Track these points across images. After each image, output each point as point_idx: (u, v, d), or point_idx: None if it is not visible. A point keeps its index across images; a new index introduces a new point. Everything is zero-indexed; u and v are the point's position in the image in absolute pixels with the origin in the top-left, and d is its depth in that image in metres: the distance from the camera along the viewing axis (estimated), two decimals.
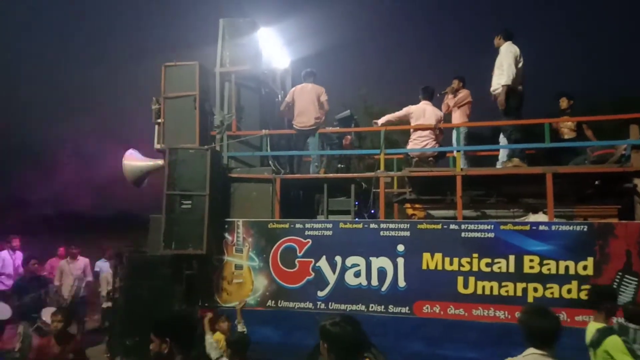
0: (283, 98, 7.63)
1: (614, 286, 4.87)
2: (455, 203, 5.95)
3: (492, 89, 6.39)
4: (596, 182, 6.09)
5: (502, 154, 6.36)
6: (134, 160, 6.87)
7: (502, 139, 6.37)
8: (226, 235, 6.00)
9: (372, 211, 6.92)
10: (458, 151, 5.72)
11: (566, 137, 7.07)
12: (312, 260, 5.71)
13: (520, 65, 6.25)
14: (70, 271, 7.90)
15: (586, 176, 5.77)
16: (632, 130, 5.22)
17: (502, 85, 6.07)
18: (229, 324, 5.16)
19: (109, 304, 7.40)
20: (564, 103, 6.90)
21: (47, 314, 5.38)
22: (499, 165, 6.18)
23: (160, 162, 6.83)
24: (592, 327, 3.71)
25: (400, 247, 5.46)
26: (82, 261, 8.15)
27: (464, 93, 7.05)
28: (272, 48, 7.50)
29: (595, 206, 5.81)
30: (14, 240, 7.80)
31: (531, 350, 2.68)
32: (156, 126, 6.59)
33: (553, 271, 5.04)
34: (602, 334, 3.33)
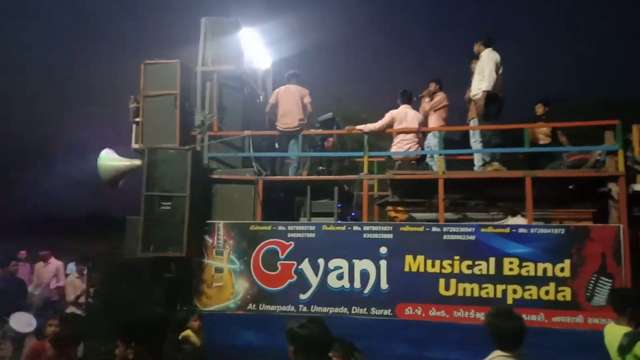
0: (265, 99, 7.58)
1: (590, 287, 5.03)
2: (436, 206, 6.02)
3: (471, 93, 6.50)
4: (570, 187, 6.26)
5: (478, 158, 6.48)
6: (109, 160, 6.67)
7: (475, 144, 6.48)
8: (206, 237, 5.89)
9: (353, 214, 6.93)
10: (440, 155, 5.78)
11: (541, 142, 7.28)
12: (295, 262, 5.66)
13: (500, 72, 6.39)
14: (43, 275, 7.63)
15: (562, 180, 5.93)
16: (607, 137, 5.40)
17: (483, 91, 6.19)
18: (199, 324, 5.08)
19: (74, 309, 7.12)
20: (539, 109, 7.08)
21: (15, 320, 5.18)
22: (476, 169, 6.30)
23: (137, 162, 6.65)
24: (614, 329, 3.59)
25: (383, 250, 5.47)
26: (54, 264, 7.85)
27: (440, 96, 7.15)
28: (254, 48, 7.43)
29: (570, 209, 5.97)
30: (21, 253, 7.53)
31: (497, 352, 2.72)
32: (134, 125, 6.43)
33: (532, 273, 5.14)
34: (632, 339, 3.34)
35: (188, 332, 5.00)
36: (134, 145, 6.33)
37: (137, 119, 6.32)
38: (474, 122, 6.59)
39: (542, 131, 7.23)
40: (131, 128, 6.48)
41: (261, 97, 7.45)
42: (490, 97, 6.24)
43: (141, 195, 5.58)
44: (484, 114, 6.33)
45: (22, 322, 5.53)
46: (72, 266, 8.30)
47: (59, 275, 8.01)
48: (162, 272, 5.85)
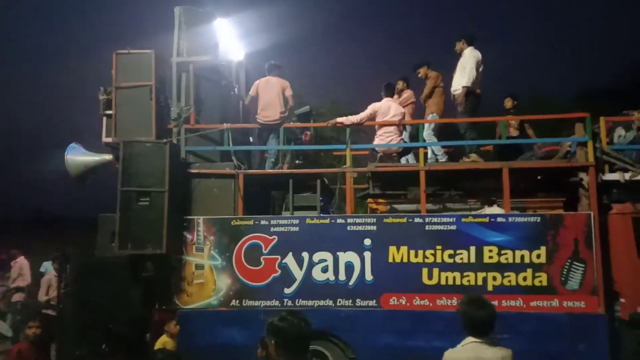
0: (240, 92, 7.43)
1: (564, 272, 5.28)
2: (415, 197, 6.12)
3: (452, 89, 6.65)
4: (538, 177, 6.53)
5: (431, 153, 6.61)
6: (77, 155, 6.35)
7: (430, 137, 6.65)
8: (185, 233, 5.71)
9: (331, 209, 6.93)
10: (423, 147, 5.87)
11: (512, 135, 7.56)
12: (279, 257, 5.60)
13: (480, 69, 6.57)
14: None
15: (532, 171, 6.18)
16: (577, 129, 5.66)
17: (463, 87, 6.34)
18: (178, 329, 4.93)
19: (49, 310, 6.77)
20: (508, 103, 7.34)
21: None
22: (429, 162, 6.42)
23: (108, 156, 6.38)
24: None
25: (367, 241, 5.51)
26: (19, 263, 7.42)
27: (408, 94, 7.31)
28: (227, 39, 7.26)
29: (541, 199, 6.23)
30: None
31: (470, 339, 2.79)
32: (104, 118, 6.13)
33: (510, 260, 5.34)
34: None
35: (164, 339, 4.82)
36: (105, 139, 6.04)
37: (108, 112, 6.03)
38: (432, 117, 6.79)
39: (512, 124, 7.50)
40: (101, 121, 6.18)
41: (235, 89, 7.30)
42: (469, 93, 6.41)
43: (117, 191, 5.33)
44: (462, 108, 6.48)
45: (4, 327, 5.23)
46: (47, 265, 7.86)
47: (23, 274, 7.59)
48: (138, 271, 5.63)
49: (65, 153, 6.27)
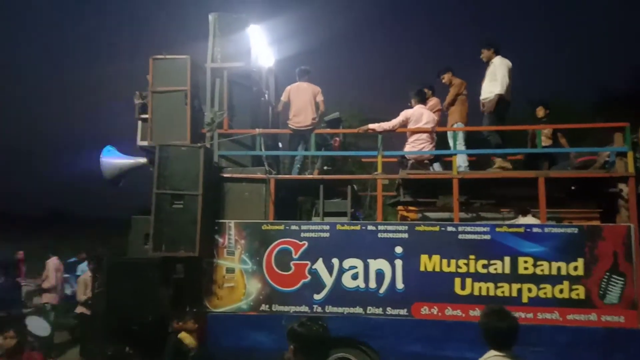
0: (269, 98, 7.49)
1: (602, 285, 5.13)
2: (445, 206, 6.05)
3: (482, 97, 6.57)
4: (572, 187, 6.39)
5: (462, 160, 6.52)
6: (112, 158, 6.48)
7: (460, 146, 6.56)
8: (217, 237, 5.76)
9: (360, 216, 6.89)
10: (455, 154, 5.81)
11: (543, 144, 7.43)
12: (309, 262, 5.59)
13: (511, 78, 6.48)
14: None
15: (566, 181, 6.05)
16: (616, 138, 5.52)
17: (496, 94, 6.26)
18: (195, 325, 5.01)
19: (84, 310, 6.90)
20: (540, 112, 7.20)
21: (32, 324, 4.99)
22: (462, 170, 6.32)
23: (141, 160, 6.49)
24: None
25: (399, 249, 5.46)
26: (48, 264, 7.60)
27: (434, 101, 7.24)
28: (258, 46, 7.33)
29: (578, 209, 6.09)
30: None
31: (492, 352, 2.71)
32: (139, 122, 6.25)
33: (546, 272, 5.22)
34: None
35: (182, 335, 4.94)
36: (140, 143, 6.15)
37: (144, 116, 6.15)
38: (456, 126, 6.70)
39: (544, 133, 7.37)
40: (136, 125, 6.30)
41: (266, 95, 7.36)
42: (500, 101, 6.33)
43: (152, 194, 5.41)
44: (490, 115, 6.40)
45: (38, 325, 5.35)
46: (83, 266, 8.02)
47: (48, 276, 7.74)
48: (169, 273, 5.69)
49: (101, 155, 6.41)
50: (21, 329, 4.34)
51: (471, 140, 7.02)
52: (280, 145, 7.59)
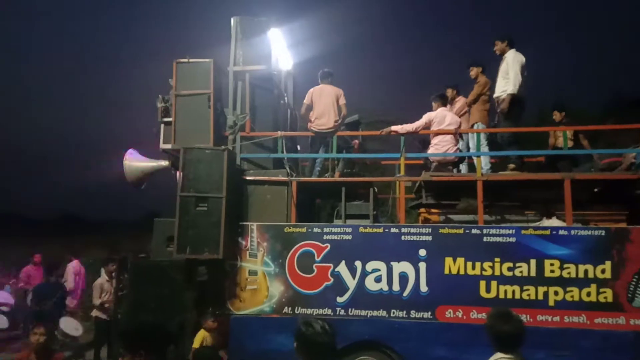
0: (289, 101, 7.52)
1: (631, 288, 5.07)
2: (466, 208, 6.02)
3: (495, 94, 6.51)
4: (595, 189, 6.32)
5: (485, 162, 6.47)
6: (135, 161, 6.54)
7: (483, 148, 6.51)
8: (239, 239, 5.78)
9: (382, 218, 6.86)
10: (478, 156, 5.78)
11: (562, 146, 7.35)
12: (331, 265, 5.58)
13: (525, 73, 6.42)
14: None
15: (590, 183, 5.98)
16: None
17: (508, 94, 6.21)
18: (216, 325, 5.10)
19: (99, 313, 6.94)
20: (557, 116, 7.10)
21: (65, 324, 5.06)
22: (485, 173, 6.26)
23: (163, 162, 6.55)
24: None
25: (422, 252, 5.43)
26: (69, 267, 7.68)
27: (461, 102, 7.16)
28: (278, 49, 7.36)
29: (602, 212, 6.03)
30: (36, 257, 7.43)
31: (498, 354, 2.73)
32: (162, 125, 6.30)
33: (573, 275, 5.15)
34: None
35: (203, 334, 5.07)
36: (163, 146, 6.20)
37: (166, 119, 6.20)
38: (477, 126, 6.64)
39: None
40: (158, 128, 6.35)
41: (286, 98, 7.39)
42: (514, 99, 6.27)
43: (177, 196, 5.44)
44: (506, 115, 6.35)
45: (70, 326, 5.43)
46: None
47: (67, 279, 7.81)
48: (193, 275, 5.72)
49: (124, 158, 6.48)
50: (52, 327, 4.41)
51: (491, 142, 6.97)
52: (298, 147, 7.61)
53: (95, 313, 7.01)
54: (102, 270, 7.40)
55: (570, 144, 7.28)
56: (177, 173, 6.75)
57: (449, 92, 7.21)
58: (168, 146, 6.02)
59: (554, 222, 5.65)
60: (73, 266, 7.71)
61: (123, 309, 5.82)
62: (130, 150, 6.56)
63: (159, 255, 5.93)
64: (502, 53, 6.44)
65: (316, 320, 2.49)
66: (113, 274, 6.84)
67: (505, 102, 6.21)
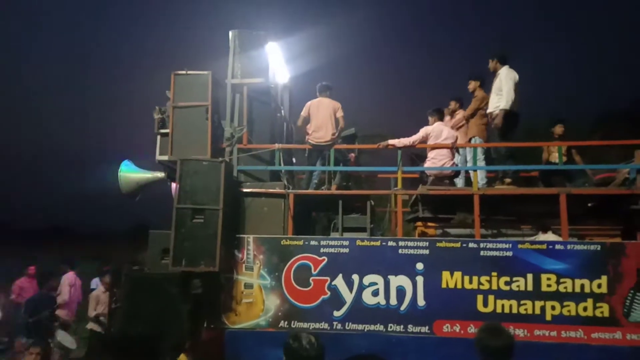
0: (285, 114, 7.54)
1: (627, 303, 5.09)
2: (461, 222, 6.03)
3: (489, 110, 6.59)
4: (589, 204, 6.39)
5: (481, 177, 6.52)
6: (130, 172, 6.49)
7: (479, 162, 6.56)
8: (235, 252, 5.72)
9: (379, 231, 6.85)
10: (475, 170, 5.82)
11: (557, 161, 7.44)
12: (328, 278, 5.54)
13: (518, 90, 6.51)
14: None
15: (584, 198, 6.04)
16: (637, 155, 5.54)
17: (501, 109, 6.27)
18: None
19: (94, 326, 6.81)
20: (560, 129, 7.18)
21: (62, 336, 4.95)
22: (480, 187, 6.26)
23: (159, 174, 6.50)
24: None
25: (420, 266, 5.42)
26: (63, 278, 7.54)
27: (461, 114, 7.23)
28: (275, 62, 7.41)
29: (597, 226, 6.08)
30: (30, 269, 7.29)
31: None
32: (158, 137, 6.27)
33: (569, 289, 5.17)
34: None
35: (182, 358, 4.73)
36: (159, 157, 6.16)
37: (163, 130, 6.18)
38: (474, 140, 6.69)
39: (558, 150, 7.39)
40: (154, 139, 6.32)
41: (282, 111, 7.41)
42: (507, 115, 6.34)
43: (173, 208, 5.40)
44: (500, 131, 6.42)
45: (67, 339, 5.31)
46: (96, 281, 7.94)
47: (61, 291, 7.67)
48: (188, 288, 5.64)
49: (119, 169, 6.43)
50: (46, 343, 4.34)
51: (487, 156, 7.02)
52: (294, 160, 7.61)
53: (90, 325, 6.88)
54: (95, 281, 7.26)
55: (563, 159, 7.40)
56: (172, 184, 6.72)
57: (452, 104, 7.26)
58: (165, 157, 5.98)
59: (550, 236, 5.68)
60: (68, 278, 7.57)
61: (116, 322, 5.70)
62: (126, 162, 6.50)
63: (154, 267, 5.84)
64: (495, 70, 6.54)
65: (305, 335, 2.53)
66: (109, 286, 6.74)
67: (499, 117, 6.27)
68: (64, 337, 5.17)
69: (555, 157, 7.43)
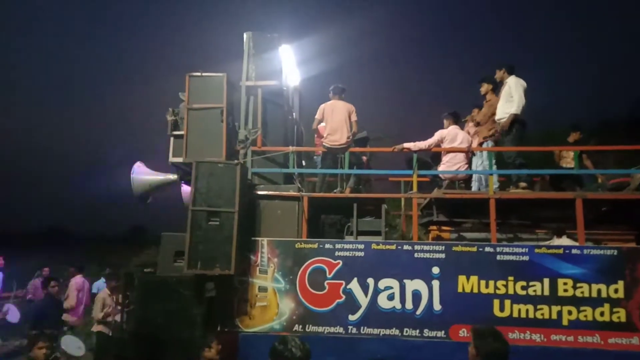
0: (296, 117, 7.53)
1: None
2: (474, 226, 6.02)
3: (497, 117, 6.59)
4: (603, 209, 6.38)
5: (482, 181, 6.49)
6: (143, 174, 6.46)
7: (482, 167, 6.56)
8: (250, 255, 5.69)
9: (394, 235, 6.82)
10: (490, 175, 5.81)
11: (568, 166, 7.44)
12: (343, 282, 5.51)
13: (526, 97, 6.51)
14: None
15: (598, 202, 6.04)
16: None
17: (511, 114, 6.26)
18: (217, 348, 4.84)
19: (101, 328, 6.75)
20: (576, 136, 7.15)
21: (67, 343, 4.89)
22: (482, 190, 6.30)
23: (172, 176, 6.48)
24: None
25: (436, 270, 5.40)
26: (71, 283, 7.48)
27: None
28: (288, 65, 7.40)
29: (612, 231, 6.07)
30: (45, 270, 7.23)
31: None
32: (172, 139, 6.23)
33: (586, 294, 5.16)
34: None
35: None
36: (173, 159, 6.12)
37: (176, 132, 6.15)
38: (486, 144, 6.69)
39: (569, 155, 7.39)
40: (168, 141, 6.29)
41: (294, 114, 7.40)
42: (516, 120, 6.34)
43: (188, 211, 5.36)
44: (510, 135, 6.39)
45: (72, 344, 5.22)
46: (100, 283, 7.87)
47: (69, 295, 7.61)
48: (202, 291, 5.61)
49: (131, 172, 6.39)
50: (52, 347, 4.32)
51: (498, 160, 7.03)
52: (303, 163, 7.59)
53: (96, 328, 6.82)
54: (97, 284, 7.16)
55: (572, 163, 7.40)
56: (183, 187, 6.69)
57: (475, 112, 7.23)
58: (179, 159, 5.94)
59: (564, 240, 5.67)
60: (76, 281, 7.50)
61: (129, 325, 5.65)
62: (138, 163, 6.47)
63: (166, 270, 5.80)
64: (502, 80, 6.55)
65: (291, 338, 2.60)
66: (114, 289, 6.70)
67: (507, 121, 6.25)
68: (68, 345, 5.09)
69: (566, 162, 7.44)
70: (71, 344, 5.20)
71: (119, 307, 7.08)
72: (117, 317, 7.08)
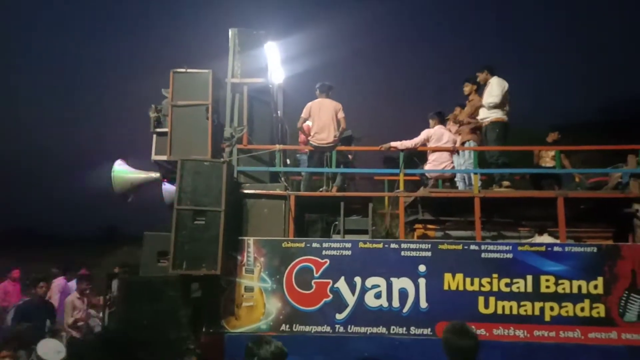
0: (281, 115, 7.47)
1: (622, 304, 5.24)
2: (466, 223, 6.09)
3: (480, 117, 6.69)
4: (581, 207, 6.56)
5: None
6: (124, 172, 6.30)
7: (465, 165, 6.66)
8: (236, 254, 5.62)
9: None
10: (475, 174, 5.89)
11: (547, 165, 7.64)
12: (330, 281, 5.50)
13: (508, 97, 6.64)
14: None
15: (577, 201, 6.19)
16: (629, 160, 5.72)
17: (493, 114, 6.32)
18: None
19: (73, 333, 6.53)
20: (555, 136, 7.34)
21: (43, 348, 4.70)
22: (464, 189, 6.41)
23: (154, 174, 6.34)
24: None
25: (422, 268, 5.45)
26: (54, 284, 7.24)
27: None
28: (273, 62, 7.32)
29: (590, 229, 6.23)
30: (15, 272, 6.91)
31: None
32: (154, 136, 6.10)
33: (567, 290, 5.29)
34: None
35: None
36: (155, 157, 5.99)
37: (159, 129, 6.02)
38: (468, 144, 6.78)
39: (548, 155, 7.59)
40: (151, 138, 6.15)
41: (279, 112, 7.34)
42: (498, 120, 6.44)
43: (173, 210, 5.25)
44: (494, 134, 6.51)
45: (50, 349, 5.03)
46: (72, 284, 7.61)
47: (51, 297, 7.36)
48: (187, 292, 5.51)
49: (112, 169, 6.23)
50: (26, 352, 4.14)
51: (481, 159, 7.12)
52: (287, 162, 7.54)
53: (67, 332, 6.58)
54: (74, 287, 6.92)
55: (552, 163, 7.59)
56: (163, 185, 6.56)
57: (457, 110, 7.30)
58: (162, 157, 5.82)
59: (546, 238, 5.80)
60: (59, 283, 7.24)
61: (111, 327, 5.51)
62: (119, 161, 6.31)
63: (149, 270, 5.68)
64: (486, 81, 6.65)
65: (268, 339, 2.62)
66: (85, 292, 6.51)
67: (489, 121, 6.33)
68: (45, 348, 4.89)
69: (545, 161, 7.65)
70: (50, 348, 5.01)
71: (91, 311, 6.92)
72: (91, 321, 6.90)
